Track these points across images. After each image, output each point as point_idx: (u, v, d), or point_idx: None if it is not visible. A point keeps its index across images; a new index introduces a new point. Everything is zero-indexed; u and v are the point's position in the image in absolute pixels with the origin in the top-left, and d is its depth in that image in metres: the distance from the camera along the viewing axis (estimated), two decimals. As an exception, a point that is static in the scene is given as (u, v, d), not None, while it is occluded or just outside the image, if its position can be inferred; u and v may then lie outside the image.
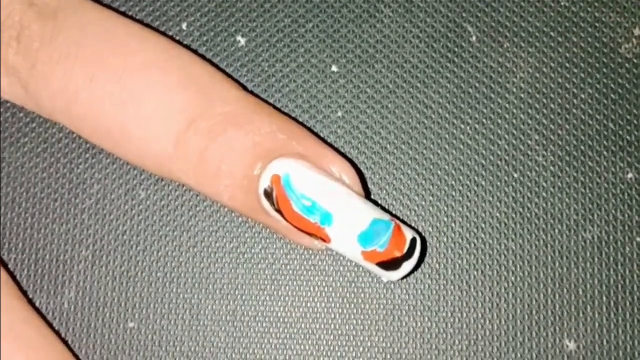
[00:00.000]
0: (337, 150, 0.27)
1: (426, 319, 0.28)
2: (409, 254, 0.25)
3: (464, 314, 0.28)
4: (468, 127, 0.28)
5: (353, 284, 0.28)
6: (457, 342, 0.28)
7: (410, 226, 0.27)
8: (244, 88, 0.27)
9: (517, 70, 0.28)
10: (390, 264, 0.25)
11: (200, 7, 0.29)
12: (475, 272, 0.28)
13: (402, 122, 0.28)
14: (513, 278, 0.28)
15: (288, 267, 0.28)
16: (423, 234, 0.28)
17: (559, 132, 0.28)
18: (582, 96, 0.28)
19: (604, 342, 0.27)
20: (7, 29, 0.25)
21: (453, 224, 0.28)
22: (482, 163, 0.28)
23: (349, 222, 0.25)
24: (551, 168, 0.28)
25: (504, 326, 0.28)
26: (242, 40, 0.29)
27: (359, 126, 0.28)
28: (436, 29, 0.28)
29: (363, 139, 0.28)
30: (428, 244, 0.28)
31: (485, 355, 0.28)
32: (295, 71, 0.29)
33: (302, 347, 0.28)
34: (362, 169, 0.28)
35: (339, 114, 0.28)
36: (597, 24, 0.28)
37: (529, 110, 0.28)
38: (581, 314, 0.28)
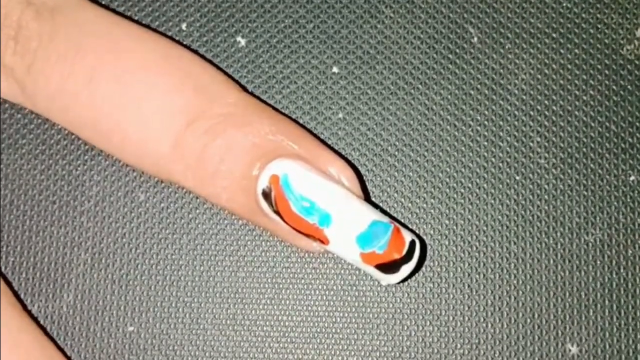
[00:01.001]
0: (337, 152, 0.27)
1: (427, 323, 0.28)
2: (408, 257, 0.25)
3: (466, 318, 0.28)
4: (469, 129, 0.28)
5: (354, 288, 0.28)
6: (458, 346, 0.28)
7: (409, 229, 0.27)
8: (244, 89, 0.27)
9: (519, 72, 0.28)
10: (389, 267, 0.25)
11: (200, 8, 0.29)
12: (477, 276, 0.28)
13: (403, 124, 0.28)
14: (515, 282, 0.28)
15: (288, 270, 0.28)
16: (424, 237, 0.28)
17: (561, 134, 0.28)
18: (584, 98, 0.28)
19: (607, 346, 0.27)
20: (5, 29, 0.25)
21: (454, 227, 0.28)
22: (483, 165, 0.28)
23: (348, 224, 0.24)
24: (553, 170, 0.28)
25: (506, 330, 0.27)
26: (242, 41, 0.28)
27: (359, 128, 0.28)
28: (438, 30, 0.28)
29: (364, 141, 0.28)
30: (429, 247, 0.28)
31: (487, 359, 0.27)
32: (296, 72, 0.28)
33: (302, 351, 0.28)
34: (362, 170, 0.28)
35: (340, 115, 0.28)
36: (599, 26, 0.28)
37: (531, 112, 0.28)
38: (584, 318, 0.27)
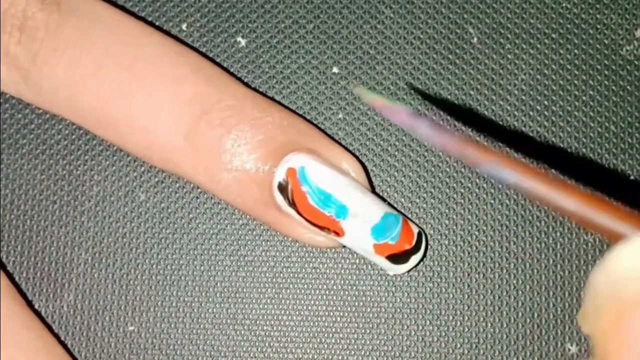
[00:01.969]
0: (338, 151, 0.27)
1: (427, 322, 0.28)
2: (417, 247, 0.26)
3: (466, 318, 0.28)
4: (469, 130, 0.28)
5: (354, 287, 0.28)
6: (458, 345, 0.28)
7: (413, 221, 0.27)
8: (245, 89, 0.27)
9: (519, 72, 0.28)
10: (400, 257, 0.26)
11: (200, 8, 0.29)
12: (477, 275, 0.28)
13: (403, 124, 0.28)
14: (515, 281, 0.28)
15: (288, 270, 0.28)
16: (424, 236, 0.28)
17: (560, 133, 0.28)
18: (584, 98, 0.28)
19: (606, 346, 0.27)
20: (10, 19, 0.25)
21: (454, 227, 0.28)
22: (483, 165, 0.28)
23: (363, 216, 0.25)
24: (552, 170, 0.28)
25: (506, 329, 0.28)
26: (242, 41, 0.29)
27: (359, 128, 0.28)
28: (437, 30, 0.28)
29: (364, 141, 0.28)
30: (429, 247, 0.28)
31: (486, 359, 0.27)
32: (296, 72, 0.28)
33: (302, 351, 0.28)
34: (362, 171, 0.28)
35: (340, 115, 0.28)
36: (598, 26, 0.28)
37: (530, 112, 0.28)
38: (583, 318, 0.27)
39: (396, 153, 0.28)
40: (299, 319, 0.28)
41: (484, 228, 0.28)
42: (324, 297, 0.28)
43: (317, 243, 0.26)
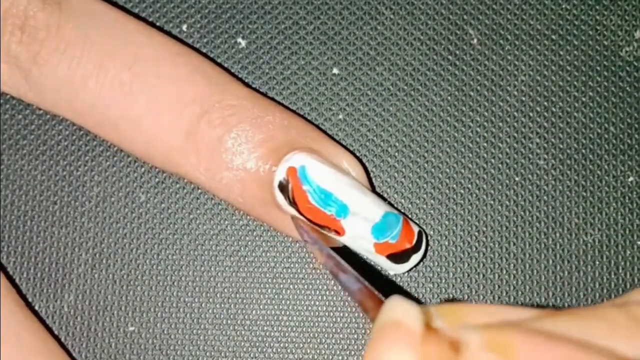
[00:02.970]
0: (338, 152, 0.27)
1: (427, 322, 0.28)
2: (417, 246, 0.26)
3: (466, 318, 0.28)
4: (469, 130, 0.28)
5: (354, 288, 0.28)
6: (458, 346, 0.28)
7: (413, 221, 0.27)
8: (245, 90, 0.27)
9: (518, 73, 0.28)
10: (400, 256, 0.26)
11: (200, 9, 0.29)
12: (477, 276, 0.28)
13: (403, 125, 0.28)
14: (514, 282, 0.28)
15: (288, 271, 0.28)
16: (424, 237, 0.28)
17: (560, 135, 0.28)
18: (583, 99, 0.28)
19: (606, 346, 0.27)
20: (11, 18, 0.25)
21: (454, 228, 0.28)
22: (483, 166, 0.28)
23: (364, 215, 0.25)
24: (552, 171, 0.28)
25: (506, 330, 0.28)
26: (242, 42, 0.29)
27: (360, 129, 0.28)
28: (437, 31, 0.28)
29: (364, 142, 0.28)
30: (429, 248, 0.28)
31: (486, 359, 0.27)
32: (296, 73, 0.28)
33: (302, 351, 0.28)
34: (362, 171, 0.28)
35: (340, 116, 0.28)
36: (598, 27, 0.28)
37: (530, 113, 0.28)
38: (583, 318, 0.28)
39: (396, 154, 0.28)
40: (299, 320, 0.28)
41: (484, 228, 0.28)
42: (324, 297, 0.28)
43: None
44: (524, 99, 0.28)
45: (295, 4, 0.29)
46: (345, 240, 0.25)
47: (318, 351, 0.28)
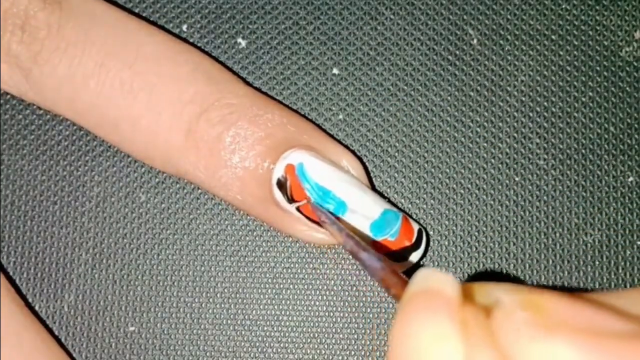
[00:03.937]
0: (338, 152, 0.27)
1: (428, 322, 0.28)
2: (416, 245, 0.26)
3: (466, 318, 0.28)
4: (469, 130, 0.28)
5: (354, 288, 0.28)
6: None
7: (414, 219, 0.27)
8: (245, 90, 0.27)
9: (518, 74, 0.28)
10: (399, 254, 0.26)
11: (201, 9, 0.29)
12: (477, 276, 0.28)
13: (403, 125, 0.28)
14: (514, 282, 0.28)
15: (288, 271, 0.28)
16: (424, 237, 0.28)
17: (560, 135, 0.28)
18: (583, 99, 0.28)
19: (606, 346, 0.27)
20: (12, 17, 0.25)
21: (454, 227, 0.28)
22: (483, 166, 0.28)
23: (363, 212, 0.25)
24: (552, 171, 0.28)
25: (506, 330, 0.28)
26: (242, 42, 0.29)
27: (360, 129, 0.28)
28: (437, 31, 0.28)
29: (364, 142, 0.28)
30: (429, 247, 0.28)
31: (486, 359, 0.27)
32: (296, 73, 0.28)
33: (303, 351, 0.28)
34: (362, 171, 0.28)
35: (340, 116, 0.28)
36: (597, 28, 0.29)
37: (530, 114, 0.28)
38: (583, 318, 0.28)
39: (396, 154, 0.28)
40: (299, 320, 0.28)
41: (484, 228, 0.28)
42: (324, 297, 0.28)
43: (316, 240, 0.26)
44: (524, 99, 0.28)
45: (295, 4, 0.29)
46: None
47: (318, 351, 0.28)
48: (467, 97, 0.28)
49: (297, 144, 0.25)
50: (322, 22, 0.29)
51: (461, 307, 0.17)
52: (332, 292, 0.28)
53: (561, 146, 0.28)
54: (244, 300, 0.28)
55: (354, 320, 0.28)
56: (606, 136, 0.28)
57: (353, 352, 0.28)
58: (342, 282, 0.28)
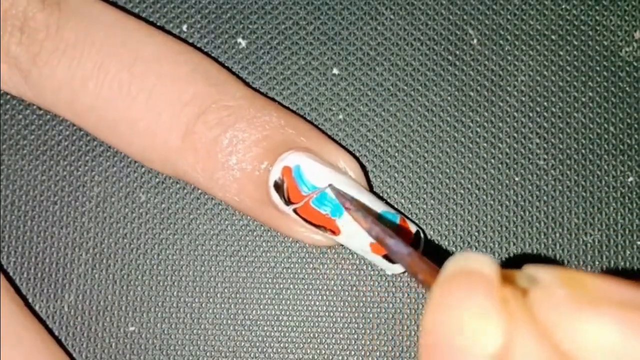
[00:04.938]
0: (338, 152, 0.27)
1: (427, 322, 0.28)
2: (414, 246, 0.26)
3: (466, 318, 0.28)
4: (469, 130, 0.28)
5: (354, 288, 0.28)
6: (458, 346, 0.28)
7: (412, 220, 0.27)
8: (245, 90, 0.27)
9: (518, 74, 0.28)
10: None
11: (201, 9, 0.29)
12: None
13: (403, 125, 0.28)
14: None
15: (288, 271, 0.28)
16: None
17: (560, 135, 0.28)
18: (583, 99, 0.28)
19: (606, 346, 0.27)
20: (10, 19, 0.25)
21: (454, 227, 0.28)
22: (483, 166, 0.28)
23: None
24: (552, 171, 0.28)
25: (506, 330, 0.28)
26: (243, 42, 0.29)
27: (360, 129, 0.28)
28: (437, 32, 0.28)
29: (364, 142, 0.28)
30: (429, 248, 0.28)
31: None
32: (296, 73, 0.28)
33: (303, 351, 0.28)
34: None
35: (340, 116, 0.28)
36: (597, 28, 0.29)
37: (530, 114, 0.28)
38: (583, 318, 0.28)
39: (396, 154, 0.28)
40: (299, 319, 0.28)
41: (484, 228, 0.28)
42: (324, 297, 0.28)
43: (314, 242, 0.26)
44: (524, 99, 0.28)
45: (295, 4, 0.29)
46: (341, 239, 0.25)
47: (318, 351, 0.28)
48: (467, 97, 0.28)
49: (294, 146, 0.25)
50: (322, 22, 0.29)
51: (500, 287, 0.17)
52: (332, 292, 0.28)
53: (561, 146, 0.28)
54: (244, 300, 0.28)
55: (354, 320, 0.28)
56: (606, 136, 0.28)
57: (353, 352, 0.28)
58: (342, 282, 0.28)
